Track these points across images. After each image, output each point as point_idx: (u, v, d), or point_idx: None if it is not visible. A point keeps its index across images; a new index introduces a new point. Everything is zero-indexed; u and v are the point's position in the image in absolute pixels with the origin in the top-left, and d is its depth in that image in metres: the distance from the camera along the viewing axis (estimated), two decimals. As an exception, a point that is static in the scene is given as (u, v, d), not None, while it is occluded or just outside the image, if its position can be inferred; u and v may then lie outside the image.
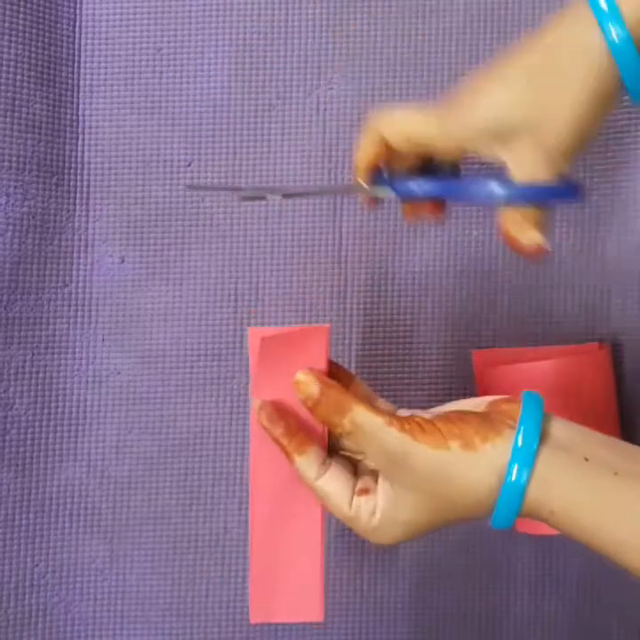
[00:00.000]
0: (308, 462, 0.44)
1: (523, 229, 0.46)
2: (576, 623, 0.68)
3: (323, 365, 0.44)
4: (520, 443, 0.41)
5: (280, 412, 0.44)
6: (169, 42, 0.66)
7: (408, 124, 0.47)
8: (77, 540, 0.65)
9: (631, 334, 0.66)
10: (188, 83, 0.66)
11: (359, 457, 0.46)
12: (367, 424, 0.42)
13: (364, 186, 0.49)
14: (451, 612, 0.67)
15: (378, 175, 0.49)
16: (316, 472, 0.44)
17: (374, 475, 0.44)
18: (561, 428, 0.42)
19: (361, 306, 0.66)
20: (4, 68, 0.62)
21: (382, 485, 0.43)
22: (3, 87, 0.62)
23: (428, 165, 0.50)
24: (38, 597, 0.65)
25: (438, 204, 0.50)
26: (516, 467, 0.40)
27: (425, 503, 0.42)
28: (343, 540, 0.66)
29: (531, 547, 0.67)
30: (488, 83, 0.45)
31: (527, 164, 0.45)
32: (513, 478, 0.40)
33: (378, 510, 0.43)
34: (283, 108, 0.66)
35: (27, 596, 0.64)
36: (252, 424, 0.45)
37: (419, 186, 0.47)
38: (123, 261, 0.66)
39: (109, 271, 0.66)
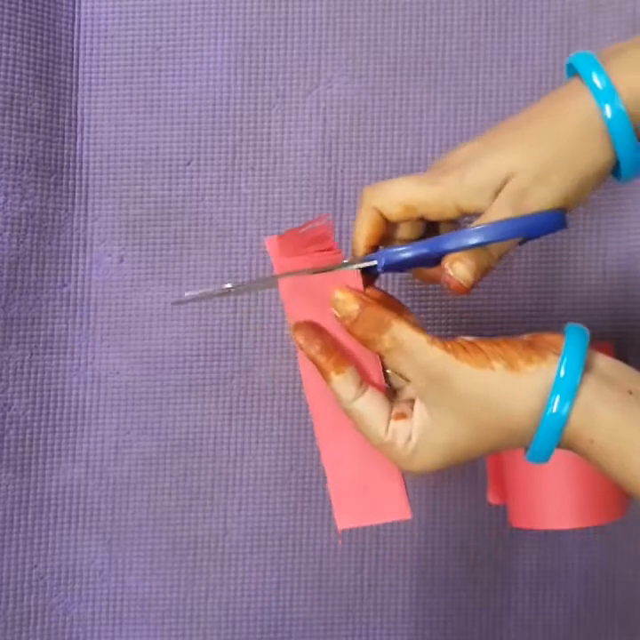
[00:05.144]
0: (344, 382, 0.43)
1: (459, 262, 0.44)
2: (577, 624, 0.67)
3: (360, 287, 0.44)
4: (563, 373, 0.40)
5: (316, 330, 0.43)
6: (168, 40, 0.65)
7: (403, 191, 0.46)
8: (76, 541, 0.65)
9: (636, 331, 0.66)
10: (187, 81, 0.65)
11: (398, 384, 0.45)
12: (408, 341, 0.41)
13: (346, 263, 0.47)
14: (451, 613, 0.67)
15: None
16: (354, 393, 0.43)
17: (411, 402, 0.44)
18: (605, 362, 0.42)
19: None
20: (3, 67, 0.62)
21: (419, 409, 0.42)
22: (1, 86, 0.62)
23: (427, 237, 0.49)
24: (37, 598, 0.64)
25: (430, 268, 0.49)
26: (557, 398, 0.39)
27: (463, 427, 0.41)
28: (343, 541, 0.66)
29: (532, 547, 0.67)
30: (485, 147, 0.45)
31: (511, 200, 0.44)
32: (554, 409, 0.39)
33: (414, 435, 0.42)
34: (282, 106, 0.66)
35: (25, 597, 0.64)
36: (301, 355, 0.44)
37: (400, 251, 0.46)
38: (122, 261, 0.65)
39: (108, 271, 0.65)
